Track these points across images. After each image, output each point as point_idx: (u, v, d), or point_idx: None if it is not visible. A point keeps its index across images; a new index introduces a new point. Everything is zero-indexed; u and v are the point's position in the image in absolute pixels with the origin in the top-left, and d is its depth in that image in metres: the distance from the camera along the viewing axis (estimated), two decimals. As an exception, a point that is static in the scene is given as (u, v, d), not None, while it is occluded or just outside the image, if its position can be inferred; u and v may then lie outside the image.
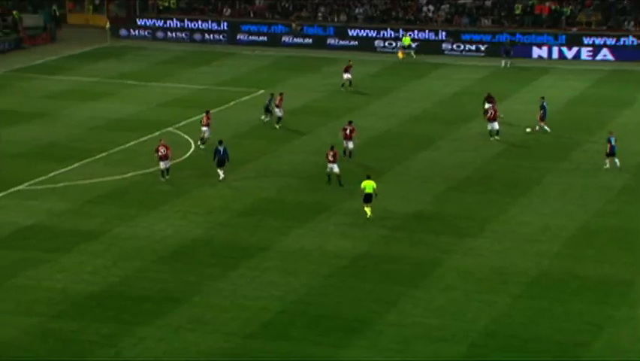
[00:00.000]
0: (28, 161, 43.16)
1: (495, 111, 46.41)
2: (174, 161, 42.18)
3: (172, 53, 68.65)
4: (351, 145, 43.03)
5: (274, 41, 70.94)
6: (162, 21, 74.12)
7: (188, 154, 43.95)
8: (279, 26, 72.18)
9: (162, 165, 40.27)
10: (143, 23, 74.41)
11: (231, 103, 53.57)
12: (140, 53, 68.60)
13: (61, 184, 40.08)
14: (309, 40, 70.60)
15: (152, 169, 41.62)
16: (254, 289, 30.42)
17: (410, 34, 67.85)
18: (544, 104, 47.63)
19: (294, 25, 71.46)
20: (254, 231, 35.22)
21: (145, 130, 47.50)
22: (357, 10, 73.46)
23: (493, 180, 40.97)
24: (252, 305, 29.30)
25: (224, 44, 71.46)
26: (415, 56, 65.91)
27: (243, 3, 75.62)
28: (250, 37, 71.65)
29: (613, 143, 41.61)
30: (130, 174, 41.31)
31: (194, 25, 73.43)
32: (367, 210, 36.10)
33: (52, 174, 41.23)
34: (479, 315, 28.74)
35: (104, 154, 44.07)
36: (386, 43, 69.11)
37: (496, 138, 46.04)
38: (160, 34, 73.24)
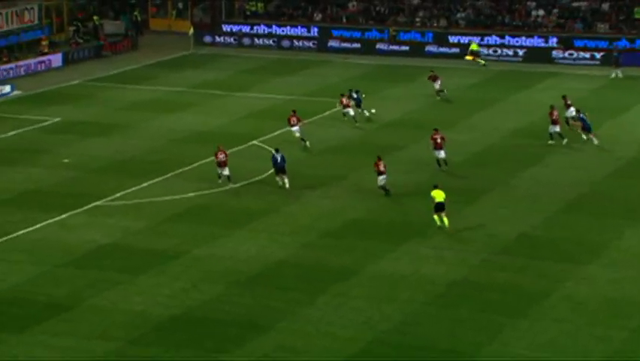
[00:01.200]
0: (107, 175, 44.15)
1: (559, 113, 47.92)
2: (261, 176, 42.60)
3: (259, 60, 69.45)
4: (443, 154, 43.56)
5: (368, 48, 71.10)
6: (249, 26, 75.07)
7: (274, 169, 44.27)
8: (374, 32, 72.33)
9: (220, 170, 41.73)
10: (228, 29, 75.49)
11: (321, 115, 53.83)
12: (225, 60, 69.60)
13: (140, 200, 40.86)
14: (405, 48, 70.53)
15: (235, 185, 42.10)
16: (342, 316, 30.39)
17: (478, 40, 67.67)
18: (582, 115, 47.62)
19: (391, 30, 71.52)
20: (343, 253, 35.24)
21: (229, 143, 48.00)
22: (458, 15, 73.10)
23: (609, 200, 40.13)
24: (340, 333, 29.29)
25: (314, 52, 71.94)
26: (483, 63, 65.53)
27: (334, 7, 76.04)
28: (342, 43, 71.96)
29: None
30: (212, 191, 41.86)
31: (283, 31, 74.18)
32: (445, 220, 36.50)
33: (130, 190, 42.09)
34: (592, 351, 28.12)
35: (184, 169, 44.75)
36: (490, 51, 68.52)
37: (550, 142, 47.03)
38: (246, 40, 74.16)
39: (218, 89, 61.00)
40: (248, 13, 77.10)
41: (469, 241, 36.08)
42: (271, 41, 73.68)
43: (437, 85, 57.03)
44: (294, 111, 48.32)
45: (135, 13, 78.65)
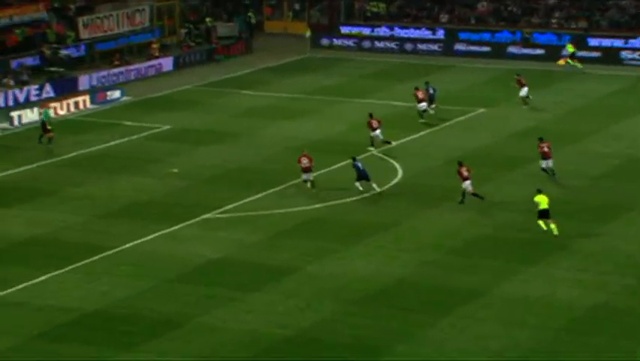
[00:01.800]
0: (219, 186, 44.84)
1: None
2: (381, 188, 42.63)
3: (379, 64, 69.55)
4: (551, 163, 43.63)
5: (498, 52, 70.39)
6: (369, 28, 75.25)
7: (395, 181, 44.24)
8: (505, 34, 71.56)
9: (305, 176, 42.63)
10: (347, 31, 75.84)
11: (447, 123, 53.52)
12: (344, 64, 69.91)
13: (253, 213, 41.35)
14: (540, 51, 69.56)
15: (353, 198, 42.21)
16: (468, 341, 30.12)
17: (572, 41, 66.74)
18: None
19: (525, 31, 70.67)
20: (469, 273, 34.93)
21: (347, 153, 48.18)
22: (600, 15, 71.69)
23: None
24: (465, 360, 28.99)
25: (439, 55, 71.64)
26: (580, 67, 63.99)
27: (462, 7, 75.58)
28: (470, 47, 71.45)
29: None
30: (328, 203, 42.05)
31: (406, 33, 74.08)
32: (552, 226, 36.88)
33: (242, 201, 42.63)
34: None
35: (299, 180, 45.10)
36: (636, 55, 66.98)
37: None
38: (366, 43, 74.36)
39: (336, 94, 61.31)
40: (368, 14, 77.31)
41: (609, 263, 35.27)
42: (393, 44, 73.66)
43: (523, 92, 56.04)
44: (371, 114, 48.86)
45: (249, 14, 79.74)
